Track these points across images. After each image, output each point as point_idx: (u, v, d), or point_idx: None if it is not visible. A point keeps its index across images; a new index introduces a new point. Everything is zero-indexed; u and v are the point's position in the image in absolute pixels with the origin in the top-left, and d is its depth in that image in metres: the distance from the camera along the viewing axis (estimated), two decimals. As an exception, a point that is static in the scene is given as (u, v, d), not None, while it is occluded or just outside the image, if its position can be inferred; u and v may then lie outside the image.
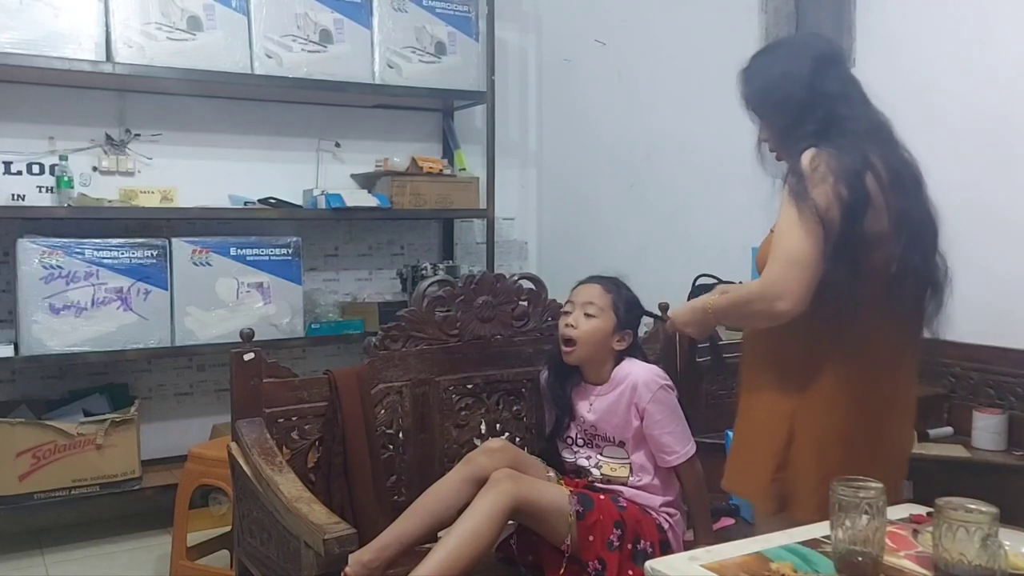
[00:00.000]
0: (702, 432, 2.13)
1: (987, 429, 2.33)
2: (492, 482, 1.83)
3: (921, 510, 1.49)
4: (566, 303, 2.11)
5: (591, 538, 1.86)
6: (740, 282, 2.24)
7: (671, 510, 2.01)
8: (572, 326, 2.03)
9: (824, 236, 1.50)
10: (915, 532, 1.38)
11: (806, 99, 1.61)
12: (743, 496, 1.80)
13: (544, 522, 1.87)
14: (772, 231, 1.69)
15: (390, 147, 3.74)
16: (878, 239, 1.54)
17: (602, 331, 2.03)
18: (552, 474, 2.05)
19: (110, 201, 3.19)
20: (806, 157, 1.55)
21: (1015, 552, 1.26)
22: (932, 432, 2.41)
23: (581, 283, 2.11)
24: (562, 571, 1.86)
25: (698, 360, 2.50)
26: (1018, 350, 2.35)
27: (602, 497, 1.94)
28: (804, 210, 1.50)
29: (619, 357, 2.07)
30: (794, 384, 1.62)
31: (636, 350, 2.10)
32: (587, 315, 2.03)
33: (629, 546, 1.89)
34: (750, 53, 1.76)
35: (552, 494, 1.89)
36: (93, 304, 2.97)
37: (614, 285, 2.08)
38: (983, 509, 1.19)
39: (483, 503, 1.79)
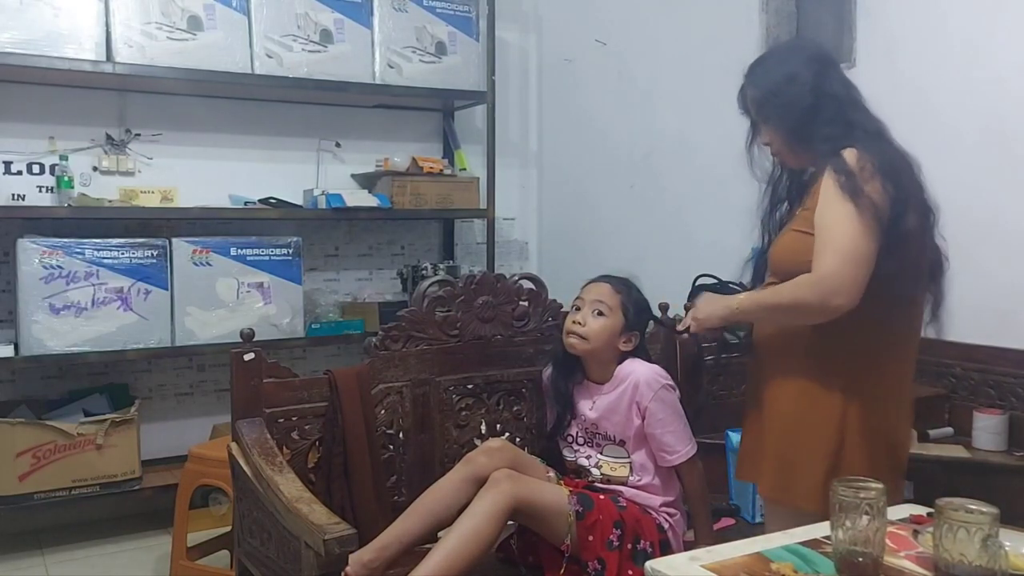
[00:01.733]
0: (702, 432, 2.13)
1: (987, 429, 2.33)
2: (491, 482, 1.82)
3: (921, 510, 1.49)
4: (576, 299, 2.10)
5: (591, 538, 1.85)
6: (740, 282, 2.23)
7: (671, 510, 2.01)
8: (580, 323, 2.03)
9: (879, 232, 1.51)
10: (915, 532, 1.38)
11: (816, 101, 1.62)
12: (790, 504, 1.67)
13: (544, 522, 1.87)
14: (793, 230, 1.67)
15: (390, 147, 3.74)
16: (911, 235, 1.55)
17: (609, 330, 2.02)
18: (552, 474, 2.04)
19: (110, 201, 3.19)
20: (851, 156, 1.55)
21: (1015, 553, 1.26)
22: (932, 432, 2.41)
23: (592, 281, 2.10)
24: (562, 571, 1.86)
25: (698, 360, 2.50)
26: (1018, 350, 2.35)
27: (602, 497, 1.94)
28: (862, 206, 1.50)
29: (623, 357, 2.06)
30: (840, 384, 1.61)
31: (641, 351, 2.09)
32: (596, 313, 2.03)
33: (629, 546, 1.89)
34: (751, 53, 1.78)
35: (551, 494, 1.89)
36: (93, 304, 2.97)
37: (624, 286, 2.07)
38: (984, 510, 1.20)
39: (482, 503, 1.79)
